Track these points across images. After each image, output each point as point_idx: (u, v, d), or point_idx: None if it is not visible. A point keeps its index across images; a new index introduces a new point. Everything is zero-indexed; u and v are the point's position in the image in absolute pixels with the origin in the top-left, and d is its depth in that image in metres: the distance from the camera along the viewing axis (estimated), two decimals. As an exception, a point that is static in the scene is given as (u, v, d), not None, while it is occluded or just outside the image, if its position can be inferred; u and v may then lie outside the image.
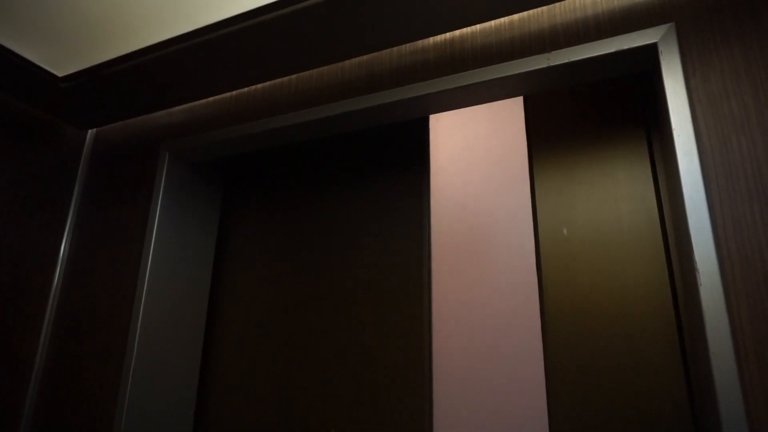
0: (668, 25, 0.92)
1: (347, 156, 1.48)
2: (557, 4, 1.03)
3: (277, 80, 1.33)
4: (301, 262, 1.44)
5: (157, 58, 1.20)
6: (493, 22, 1.09)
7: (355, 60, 1.23)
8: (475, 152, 1.33)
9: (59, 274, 1.48)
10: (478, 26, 1.10)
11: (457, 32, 1.12)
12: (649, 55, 0.95)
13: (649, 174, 1.09)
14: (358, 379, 1.26)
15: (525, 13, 1.06)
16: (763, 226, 0.77)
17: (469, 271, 1.24)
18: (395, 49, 1.18)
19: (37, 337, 1.42)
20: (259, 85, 1.35)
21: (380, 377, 1.23)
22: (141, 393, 1.26)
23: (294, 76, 1.31)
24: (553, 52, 1.00)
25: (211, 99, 1.43)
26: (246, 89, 1.37)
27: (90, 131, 1.64)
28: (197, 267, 1.48)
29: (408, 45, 1.17)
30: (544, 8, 1.05)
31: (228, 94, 1.40)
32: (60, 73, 1.29)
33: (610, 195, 1.12)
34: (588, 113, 1.20)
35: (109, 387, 1.28)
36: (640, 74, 1.17)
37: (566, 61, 0.98)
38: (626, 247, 1.08)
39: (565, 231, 1.02)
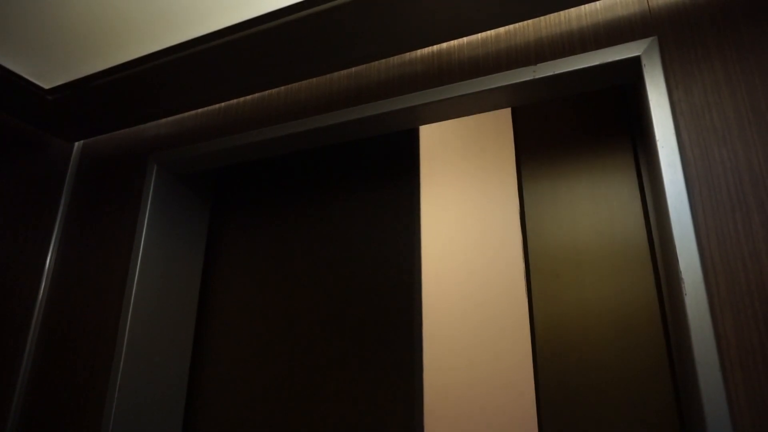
0: (651, 38, 0.93)
1: (336, 167, 1.48)
2: (543, 18, 1.05)
3: (266, 92, 1.33)
4: (289, 273, 1.43)
5: (145, 71, 1.20)
6: (479, 35, 1.10)
7: (344, 72, 1.24)
8: (465, 162, 1.34)
9: (45, 287, 1.46)
10: (465, 39, 1.11)
11: (444, 45, 1.13)
12: (633, 68, 0.97)
13: (636, 184, 1.11)
14: (347, 388, 1.25)
15: (511, 27, 1.08)
16: (745, 237, 0.79)
17: (460, 276, 1.24)
18: (383, 61, 1.19)
19: (23, 349, 1.40)
20: (248, 97, 1.36)
21: (370, 382, 1.23)
22: (128, 405, 1.25)
23: (283, 87, 1.31)
24: (539, 65, 1.02)
25: (199, 110, 1.43)
26: (235, 101, 1.37)
27: (77, 143, 1.63)
28: (185, 279, 1.47)
29: (396, 57, 1.18)
30: (530, 21, 1.06)
31: (216, 106, 1.40)
32: (46, 86, 1.29)
33: (597, 206, 1.13)
34: (576, 124, 1.21)
35: (95, 399, 1.27)
36: (626, 86, 1.18)
37: (552, 73, 1.00)
38: (614, 257, 1.09)
39: None
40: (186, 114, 1.45)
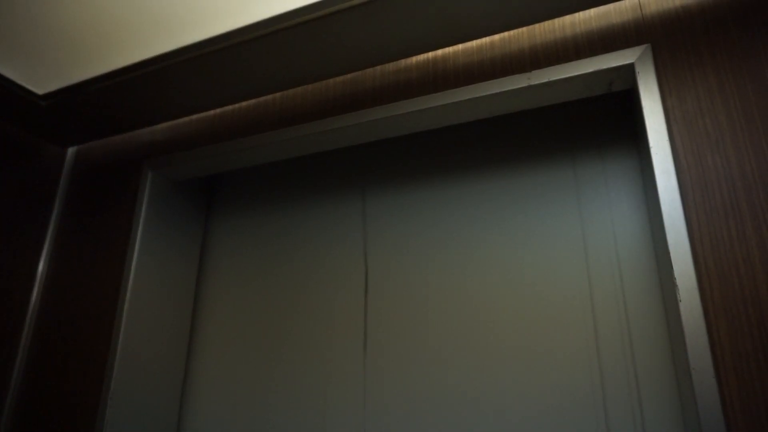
0: (644, 46, 0.94)
1: (331, 172, 1.48)
2: (537, 25, 1.06)
3: (261, 98, 1.33)
4: (286, 279, 1.43)
5: (139, 77, 1.19)
6: (474, 42, 1.11)
7: (339, 78, 1.24)
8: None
9: (37, 293, 1.45)
10: (460, 46, 1.12)
11: (439, 52, 1.14)
12: (627, 76, 0.97)
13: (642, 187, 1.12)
14: (345, 391, 1.25)
15: (506, 34, 1.08)
16: (739, 243, 0.79)
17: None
18: (378, 67, 1.20)
19: (14, 356, 1.39)
20: (243, 103, 1.36)
21: (367, 383, 1.23)
22: (121, 412, 1.24)
23: (278, 94, 1.31)
24: (533, 72, 1.02)
25: (195, 116, 1.42)
26: (230, 107, 1.37)
27: (70, 149, 1.62)
28: (180, 286, 1.46)
29: (391, 64, 1.18)
30: (525, 29, 1.07)
31: (212, 112, 1.40)
32: (40, 91, 1.28)
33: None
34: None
35: (88, 407, 1.25)
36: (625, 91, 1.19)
37: (546, 80, 1.00)
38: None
39: None
40: (181, 120, 1.45)
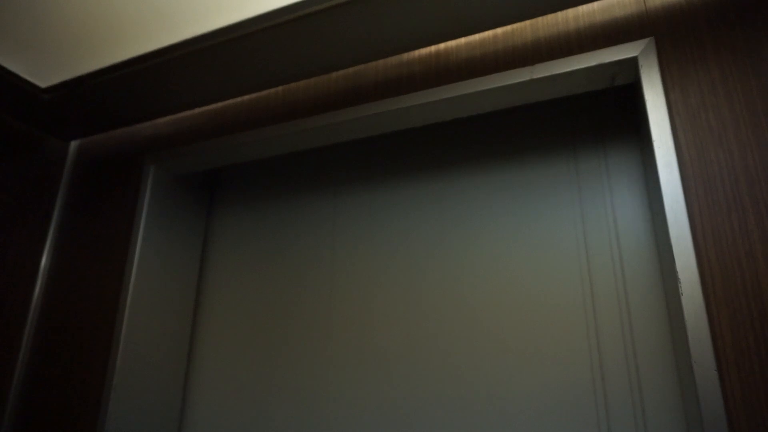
0: (647, 39, 0.94)
1: (333, 167, 1.48)
2: (540, 19, 1.05)
3: (263, 92, 1.33)
4: (287, 272, 1.43)
5: (142, 70, 1.19)
6: (477, 36, 1.11)
7: (342, 72, 1.24)
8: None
9: (39, 288, 1.46)
10: (462, 40, 1.12)
11: (442, 45, 1.14)
12: (630, 69, 0.97)
13: (643, 183, 1.12)
14: (346, 388, 1.25)
15: (509, 27, 1.08)
16: (741, 236, 0.79)
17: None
18: (381, 61, 1.19)
19: (18, 349, 1.40)
20: (245, 97, 1.36)
21: (366, 380, 1.23)
22: (124, 405, 1.24)
23: (280, 87, 1.31)
24: (536, 65, 1.02)
25: (197, 110, 1.42)
26: (232, 101, 1.37)
27: (73, 143, 1.62)
28: (182, 279, 1.46)
29: (394, 58, 1.18)
30: (527, 22, 1.06)
31: (214, 106, 1.40)
32: (42, 84, 1.28)
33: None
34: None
35: (91, 402, 1.26)
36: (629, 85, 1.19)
37: (549, 74, 1.00)
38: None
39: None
40: (183, 114, 1.45)
